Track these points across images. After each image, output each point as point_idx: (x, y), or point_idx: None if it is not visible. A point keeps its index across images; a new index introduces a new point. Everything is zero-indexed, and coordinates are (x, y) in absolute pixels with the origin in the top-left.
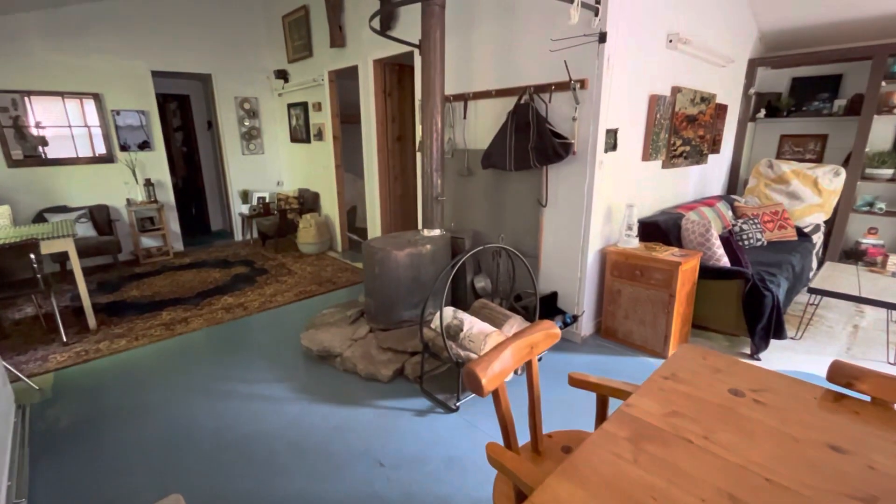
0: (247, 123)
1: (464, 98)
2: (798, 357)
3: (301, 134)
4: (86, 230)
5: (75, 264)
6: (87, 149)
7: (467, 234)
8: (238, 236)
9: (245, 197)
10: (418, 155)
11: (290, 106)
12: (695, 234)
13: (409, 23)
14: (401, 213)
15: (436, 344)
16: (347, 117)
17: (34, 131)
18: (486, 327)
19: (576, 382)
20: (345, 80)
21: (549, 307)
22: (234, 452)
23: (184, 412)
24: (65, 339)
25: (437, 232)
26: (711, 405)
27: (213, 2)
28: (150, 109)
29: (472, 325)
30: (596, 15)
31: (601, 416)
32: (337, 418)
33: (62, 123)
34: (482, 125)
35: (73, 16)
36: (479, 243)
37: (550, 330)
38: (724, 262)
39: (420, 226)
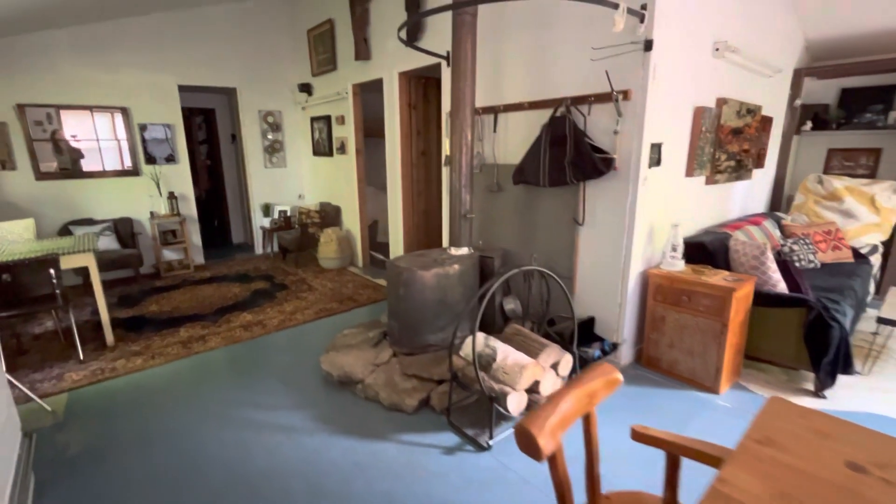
0: (270, 137)
1: (494, 111)
2: (869, 396)
3: (324, 147)
4: (109, 243)
5: (95, 280)
6: (114, 162)
7: (496, 253)
8: (259, 249)
9: (266, 210)
10: (444, 170)
11: (313, 119)
12: (746, 257)
13: (437, 34)
14: (424, 229)
15: (466, 374)
16: (370, 131)
17: (72, 144)
18: (521, 357)
19: (641, 438)
20: (368, 94)
21: (585, 334)
22: (246, 490)
23: (196, 442)
24: (81, 357)
25: (464, 251)
26: (827, 485)
27: (240, 17)
28: (176, 123)
29: (507, 354)
30: (641, 21)
31: (671, 479)
32: (358, 454)
33: (91, 137)
34: (513, 139)
35: (103, 31)
36: (509, 262)
37: (610, 375)
38: (782, 287)
39: (446, 244)
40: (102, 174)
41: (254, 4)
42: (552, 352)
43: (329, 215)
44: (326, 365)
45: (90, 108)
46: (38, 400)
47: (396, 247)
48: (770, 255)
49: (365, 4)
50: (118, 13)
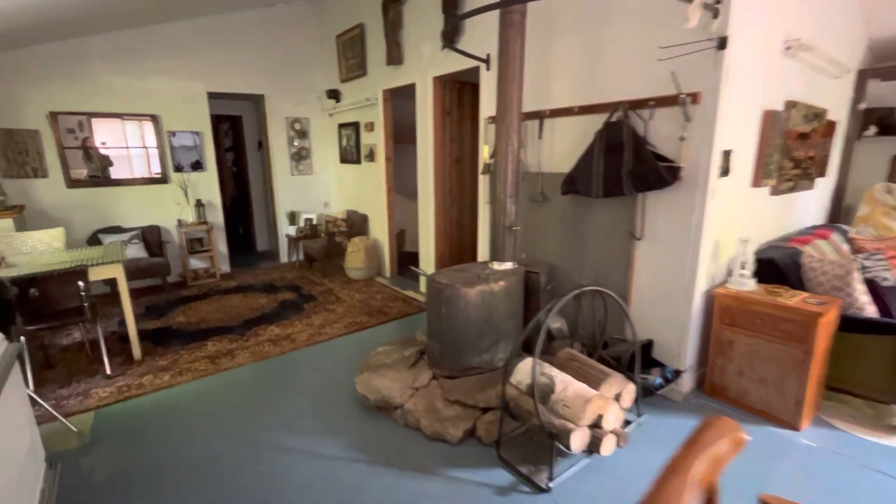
0: (296, 144)
1: (539, 116)
2: None
3: (351, 154)
4: (137, 251)
5: (123, 292)
6: (142, 169)
7: (541, 267)
8: (284, 258)
9: (292, 218)
10: (481, 178)
11: (340, 126)
12: (827, 276)
13: (475, 36)
14: (456, 240)
15: (520, 405)
16: (399, 137)
17: (101, 152)
18: (582, 388)
19: None
20: (398, 100)
21: (643, 358)
22: None
23: (224, 471)
24: (108, 372)
25: (508, 265)
26: None
27: (268, 23)
28: (205, 130)
29: (566, 384)
30: (714, 17)
31: None
32: (402, 492)
33: (120, 144)
34: (560, 146)
35: (135, 39)
36: (555, 278)
37: (736, 433)
38: (870, 311)
39: (482, 256)
40: (131, 182)
41: (282, 10)
42: (615, 381)
43: (356, 224)
44: (362, 388)
45: (120, 116)
46: (65, 420)
47: (427, 258)
48: (857, 275)
49: (398, 7)
50: (154, 19)
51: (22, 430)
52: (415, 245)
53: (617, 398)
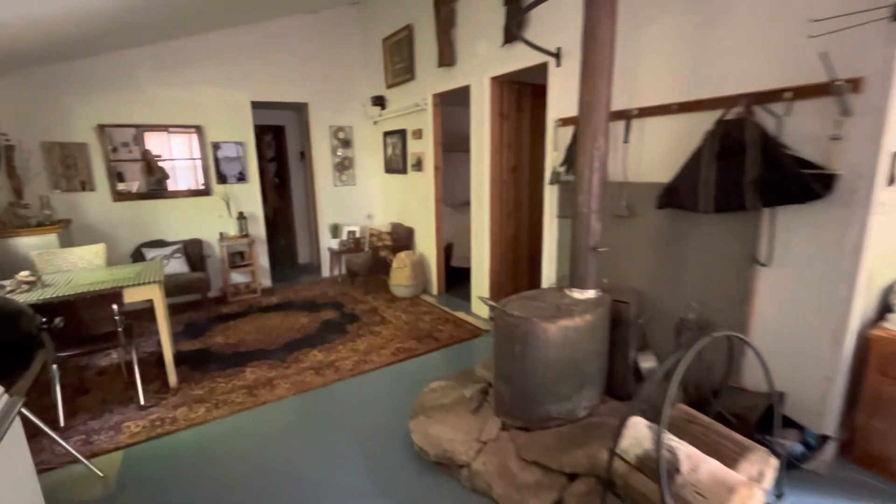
0: (340, 153)
1: (625, 116)
2: None
3: (397, 164)
4: (179, 266)
5: (160, 315)
6: (188, 182)
7: (630, 296)
8: (325, 272)
9: (335, 231)
10: (547, 189)
11: (386, 134)
12: None
13: (542, 30)
14: (511, 256)
15: (632, 486)
16: (447, 145)
17: (162, 164)
18: (718, 469)
19: None
20: (447, 106)
21: (769, 415)
22: None
23: None
24: (142, 402)
25: (591, 294)
26: None
27: (311, 30)
28: (248, 141)
29: (694, 461)
30: None
31: None
32: None
33: (167, 156)
34: (651, 151)
35: (178, 50)
36: (647, 307)
37: None
38: None
39: (546, 277)
40: (175, 194)
41: (325, 16)
42: (756, 458)
43: (401, 237)
44: (419, 438)
45: (166, 128)
46: (89, 464)
47: (480, 277)
48: None
49: (451, 4)
50: (197, 29)
51: (19, 489)
52: (463, 260)
53: (758, 477)
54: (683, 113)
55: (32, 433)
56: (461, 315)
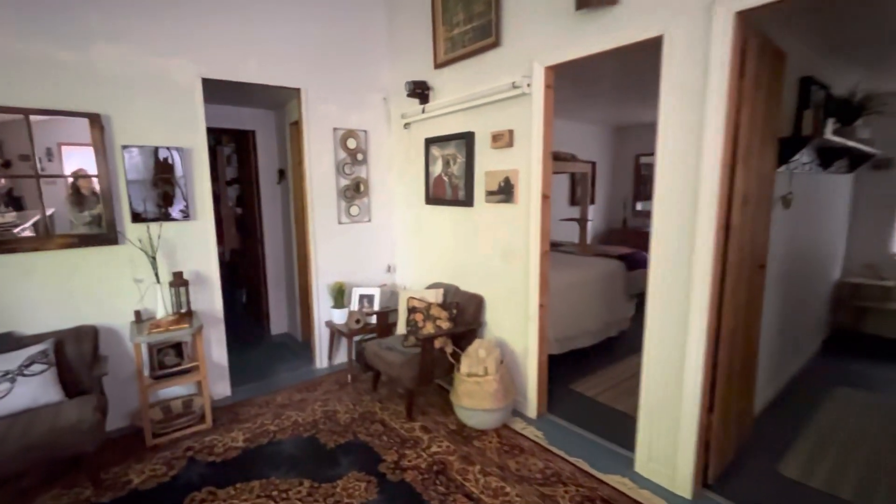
0: (349, 172)
1: None
2: None
3: (455, 190)
4: (37, 391)
5: None
6: (65, 219)
7: None
8: (321, 360)
9: (338, 295)
10: None
11: (430, 142)
12: None
13: None
14: (742, 352)
15: None
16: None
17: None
18: None
19: None
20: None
21: None
22: None
23: None
24: None
25: None
26: None
27: None
28: (195, 146)
29: None
30: None
31: None
32: None
33: (22, 170)
34: None
35: None
36: None
37: None
38: None
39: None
40: (40, 244)
41: None
42: None
43: (466, 313)
44: None
45: (24, 112)
46: None
47: (675, 399)
48: None
49: None
50: None
51: None
52: (566, 343)
53: None
54: None
55: None
56: (617, 481)
